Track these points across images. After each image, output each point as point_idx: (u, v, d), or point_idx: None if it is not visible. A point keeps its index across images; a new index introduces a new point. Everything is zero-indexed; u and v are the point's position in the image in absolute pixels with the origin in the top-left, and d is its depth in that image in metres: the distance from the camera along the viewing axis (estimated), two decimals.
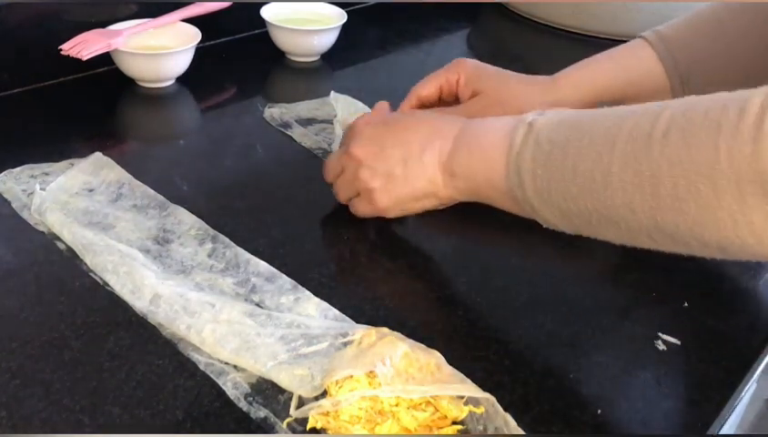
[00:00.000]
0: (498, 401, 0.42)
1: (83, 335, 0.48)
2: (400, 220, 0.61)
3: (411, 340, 0.46)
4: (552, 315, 0.53)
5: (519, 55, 1.04)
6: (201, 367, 0.46)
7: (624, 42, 0.69)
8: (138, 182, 0.63)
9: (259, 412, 0.43)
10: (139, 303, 0.50)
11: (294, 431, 0.42)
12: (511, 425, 0.41)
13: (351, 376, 0.43)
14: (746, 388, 0.53)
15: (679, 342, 0.51)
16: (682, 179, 0.41)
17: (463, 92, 0.69)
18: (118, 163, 0.65)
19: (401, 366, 0.43)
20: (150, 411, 0.43)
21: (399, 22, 1.07)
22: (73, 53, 0.75)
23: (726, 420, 0.58)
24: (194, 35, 0.81)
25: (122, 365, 0.46)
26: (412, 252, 0.60)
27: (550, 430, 0.44)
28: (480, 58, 0.71)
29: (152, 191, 0.62)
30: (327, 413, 0.42)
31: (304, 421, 0.43)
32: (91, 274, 0.53)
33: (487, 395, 0.42)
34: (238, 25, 0.95)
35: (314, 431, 0.43)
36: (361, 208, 0.59)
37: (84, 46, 0.75)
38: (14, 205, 0.59)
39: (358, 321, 0.50)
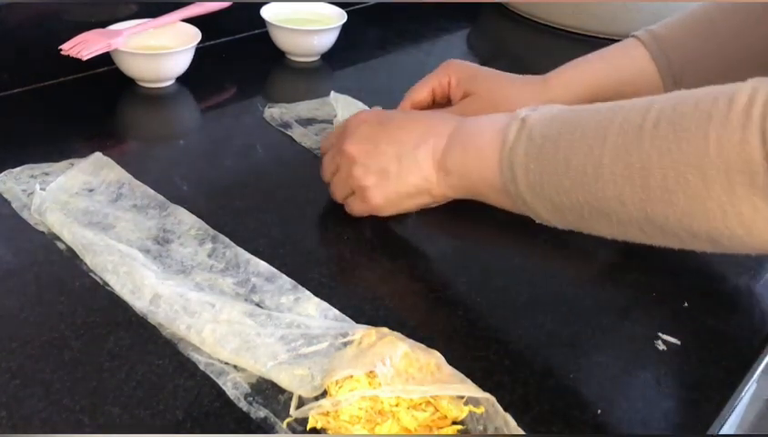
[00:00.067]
0: (498, 401, 0.42)
1: (83, 335, 0.48)
2: (400, 220, 0.61)
3: (411, 340, 0.46)
4: (552, 315, 0.53)
5: (519, 55, 1.04)
6: (201, 367, 0.46)
7: None
8: (138, 182, 0.63)
9: (259, 412, 0.43)
10: (139, 303, 0.50)
11: (294, 431, 0.42)
12: (511, 425, 0.41)
13: (351, 376, 0.43)
14: (746, 388, 0.53)
15: (679, 342, 0.51)
16: (671, 170, 0.41)
17: (455, 93, 0.69)
18: (118, 163, 0.65)
19: (401, 366, 0.43)
20: (150, 411, 0.43)
21: (399, 22, 1.07)
22: (73, 53, 0.75)
23: (726, 420, 0.58)
24: (194, 35, 0.81)
25: (122, 365, 0.46)
26: (412, 252, 0.60)
27: (550, 430, 0.44)
28: (481, 58, 0.71)
29: (152, 191, 0.62)
30: (327, 413, 0.42)
31: (304, 421, 0.43)
32: (91, 274, 0.53)
33: (487, 395, 0.42)
34: (238, 25, 0.95)
35: (314, 431, 0.43)
36: (356, 207, 0.59)
37: (84, 46, 0.75)
38: (14, 205, 0.59)
39: (358, 321, 0.50)
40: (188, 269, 0.54)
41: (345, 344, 0.47)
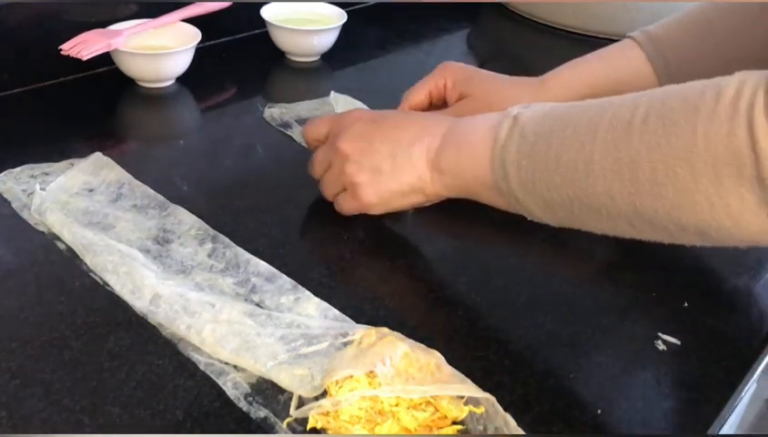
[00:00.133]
0: (498, 401, 0.42)
1: (83, 335, 0.48)
2: (400, 220, 0.61)
3: (411, 340, 0.46)
4: (552, 315, 0.53)
5: (519, 56, 1.04)
6: (201, 367, 0.46)
7: None
8: (138, 182, 0.63)
9: (259, 412, 0.43)
10: (139, 303, 0.50)
11: (294, 431, 0.42)
12: (511, 425, 0.41)
13: (351, 376, 0.43)
14: (746, 388, 0.53)
15: (679, 342, 0.51)
16: (660, 164, 0.42)
17: (451, 95, 0.69)
18: (118, 163, 0.65)
19: (401, 366, 0.43)
20: (150, 411, 0.43)
21: (399, 22, 1.07)
22: (73, 53, 0.75)
23: (726, 420, 0.58)
24: (194, 35, 0.81)
25: (122, 365, 0.46)
26: (412, 252, 0.60)
27: (550, 430, 0.44)
28: (481, 58, 0.71)
29: (152, 191, 0.62)
30: (327, 413, 0.42)
31: (304, 421, 0.43)
32: (91, 274, 0.53)
33: (487, 395, 0.43)
34: (238, 25, 0.95)
35: (314, 431, 0.43)
36: (346, 205, 0.59)
37: (84, 46, 0.75)
38: (14, 205, 0.59)
39: (358, 321, 0.50)
40: (188, 269, 0.54)
41: (345, 344, 0.47)
